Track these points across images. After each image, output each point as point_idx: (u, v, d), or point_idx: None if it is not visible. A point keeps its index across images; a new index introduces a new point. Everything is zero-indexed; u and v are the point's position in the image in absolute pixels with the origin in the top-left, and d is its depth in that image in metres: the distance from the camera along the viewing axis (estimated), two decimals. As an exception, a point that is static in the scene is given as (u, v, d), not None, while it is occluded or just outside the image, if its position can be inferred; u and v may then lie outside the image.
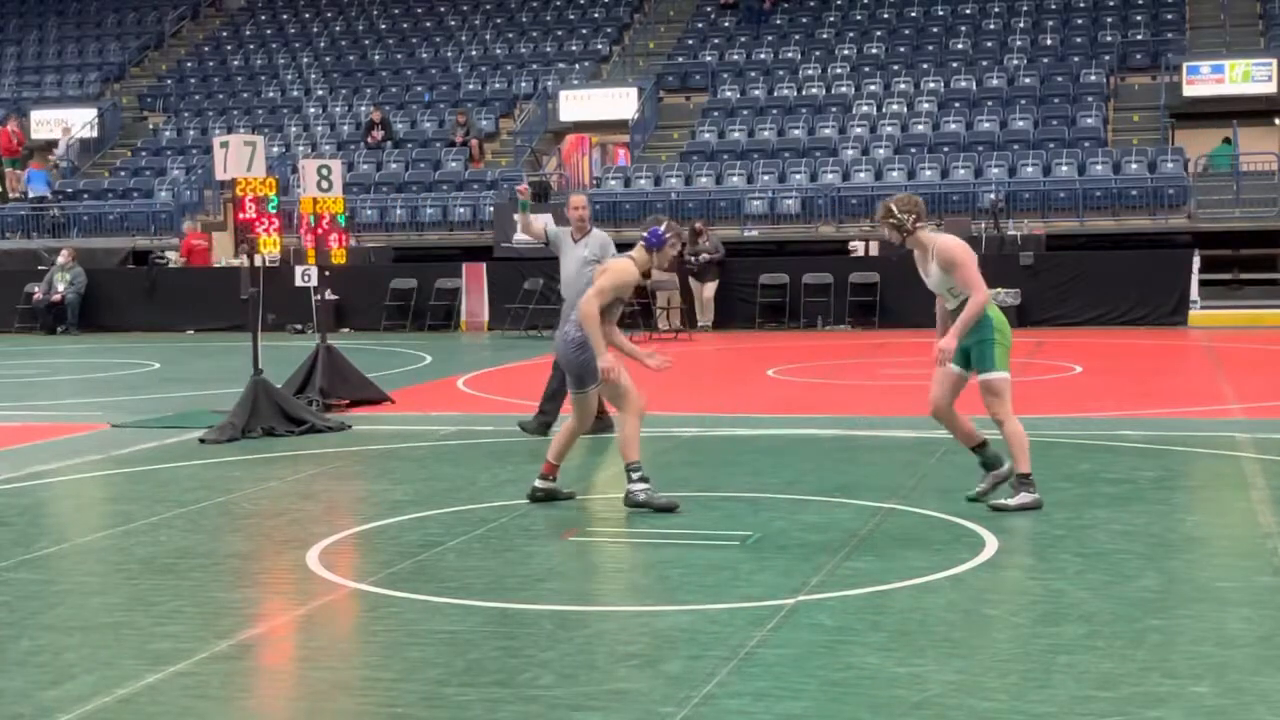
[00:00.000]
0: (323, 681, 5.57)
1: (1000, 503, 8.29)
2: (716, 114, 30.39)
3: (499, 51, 34.78)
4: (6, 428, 13.00)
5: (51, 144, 33.30)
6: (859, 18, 33.55)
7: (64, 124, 33.43)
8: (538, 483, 8.85)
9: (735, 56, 32.65)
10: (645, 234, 8.71)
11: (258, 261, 12.70)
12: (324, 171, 14.05)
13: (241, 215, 12.48)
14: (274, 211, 12.58)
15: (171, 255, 26.92)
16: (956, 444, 10.86)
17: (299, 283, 23.20)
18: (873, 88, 30.45)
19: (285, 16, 38.45)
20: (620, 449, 8.61)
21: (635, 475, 8.49)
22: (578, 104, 30.82)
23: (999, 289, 22.46)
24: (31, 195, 30.74)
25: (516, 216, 12.26)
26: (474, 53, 34.87)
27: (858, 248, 25.16)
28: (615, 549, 7.92)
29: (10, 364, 20.03)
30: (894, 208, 8.50)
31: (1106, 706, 4.98)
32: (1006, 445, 8.40)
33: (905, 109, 29.53)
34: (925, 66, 30.92)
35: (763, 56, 32.45)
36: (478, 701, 5.17)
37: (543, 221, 12.36)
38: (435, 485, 9.69)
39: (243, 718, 5.22)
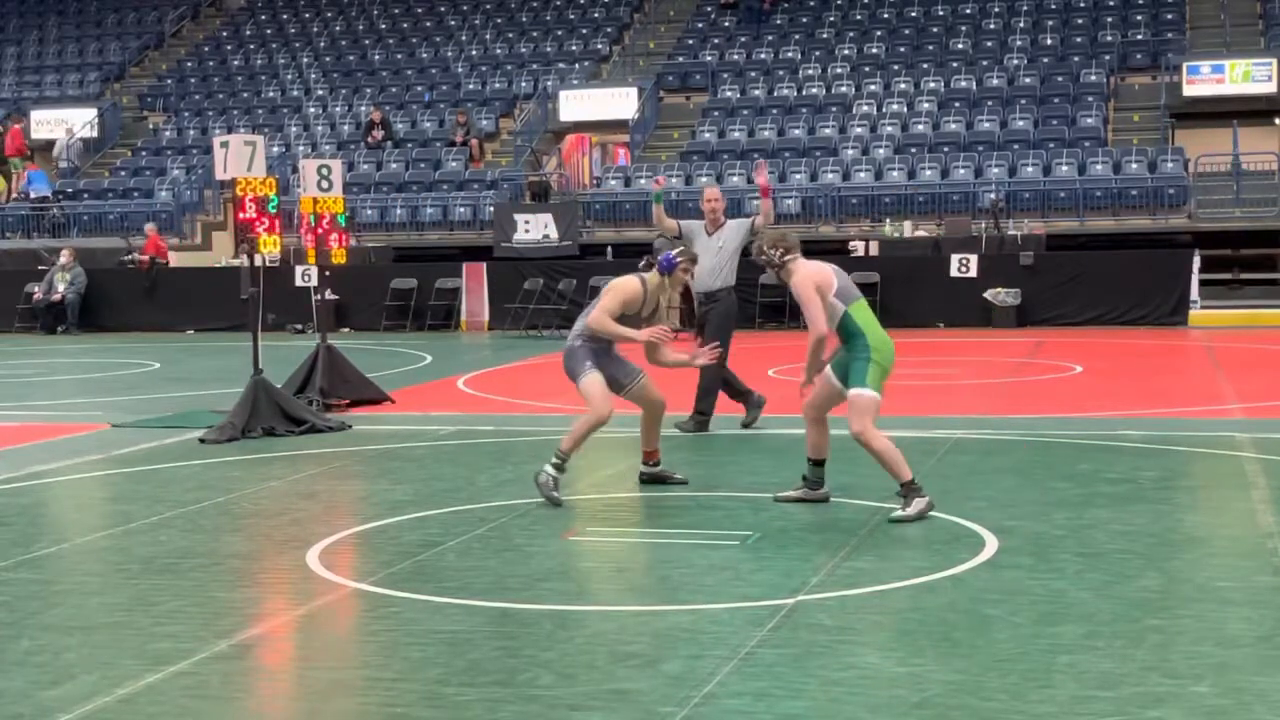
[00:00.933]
0: (323, 681, 5.57)
1: (898, 515, 8.08)
2: (716, 114, 30.39)
3: (499, 51, 34.78)
4: (6, 428, 13.00)
5: (52, 144, 33.30)
6: (859, 18, 33.55)
7: (66, 125, 33.42)
8: (643, 468, 9.31)
9: (735, 56, 32.65)
10: (660, 257, 9.09)
11: (258, 261, 12.69)
12: (324, 171, 14.05)
13: (241, 215, 12.48)
14: (274, 211, 12.58)
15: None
16: (957, 444, 10.90)
17: (299, 283, 23.44)
18: (873, 88, 30.46)
19: (285, 16, 38.45)
20: (565, 436, 8.84)
21: (554, 462, 8.73)
22: (578, 104, 30.82)
23: (999, 289, 22.51)
24: (32, 195, 30.74)
25: (654, 209, 12.24)
26: (474, 53, 34.88)
27: (858, 248, 25.15)
28: (615, 549, 7.92)
29: (10, 364, 20.03)
30: (764, 245, 8.49)
31: (1106, 706, 4.98)
32: (878, 463, 8.23)
33: (905, 109, 29.53)
34: (925, 66, 30.92)
35: (763, 56, 32.45)
36: (478, 701, 5.17)
37: (674, 219, 12.32)
38: (435, 485, 9.69)
39: (243, 718, 5.22)
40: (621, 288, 8.93)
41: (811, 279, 8.32)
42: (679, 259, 8.99)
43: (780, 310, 23.23)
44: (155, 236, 27.51)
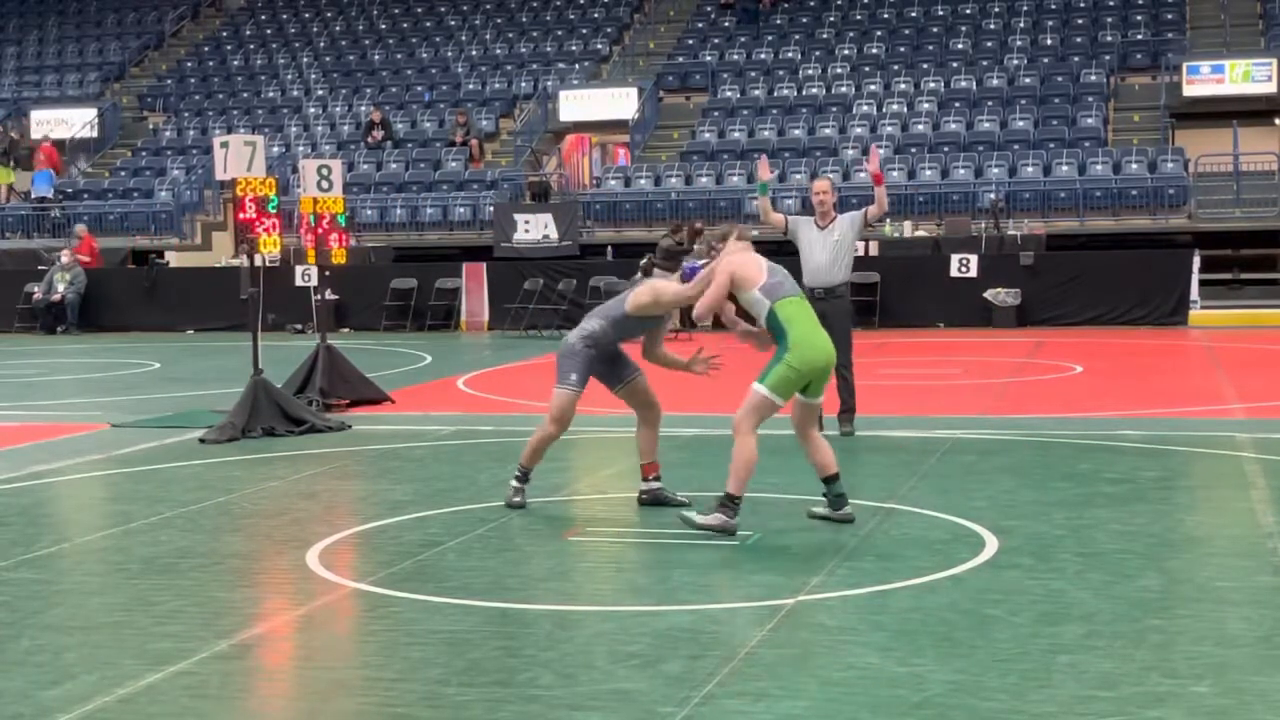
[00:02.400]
0: (323, 681, 5.57)
1: (688, 515, 7.85)
2: (716, 114, 30.39)
3: (499, 51, 34.78)
4: (6, 428, 13.00)
5: (55, 144, 33.28)
6: (859, 18, 33.55)
7: (67, 125, 33.43)
8: (642, 486, 8.78)
9: (735, 56, 32.65)
10: (685, 266, 9.15)
11: (258, 261, 12.69)
12: (324, 171, 14.04)
13: (241, 215, 12.48)
14: (274, 211, 12.58)
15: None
16: (957, 444, 10.90)
17: (299, 283, 23.43)
18: (873, 88, 30.46)
19: (285, 16, 38.45)
20: (524, 450, 8.74)
21: (516, 475, 8.73)
22: (578, 104, 30.82)
23: (999, 289, 22.50)
24: (33, 195, 30.73)
25: (755, 202, 12.03)
26: (474, 53, 34.88)
27: (858, 247, 25.13)
28: (615, 549, 7.92)
29: (10, 364, 20.02)
30: (711, 242, 8.32)
31: (1107, 706, 4.98)
32: (731, 465, 7.79)
33: (905, 109, 29.54)
34: (925, 66, 30.93)
35: (763, 56, 32.45)
36: (478, 701, 5.17)
37: (782, 213, 12.00)
38: (435, 485, 9.69)
39: (243, 718, 5.23)
40: (660, 288, 8.51)
41: (732, 266, 7.93)
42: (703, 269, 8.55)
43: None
44: (89, 238, 27.55)
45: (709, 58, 32.71)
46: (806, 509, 8.28)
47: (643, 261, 26.22)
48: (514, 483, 8.76)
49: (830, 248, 11.47)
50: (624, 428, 10.21)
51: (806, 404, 8.03)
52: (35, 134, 33.70)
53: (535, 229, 25.31)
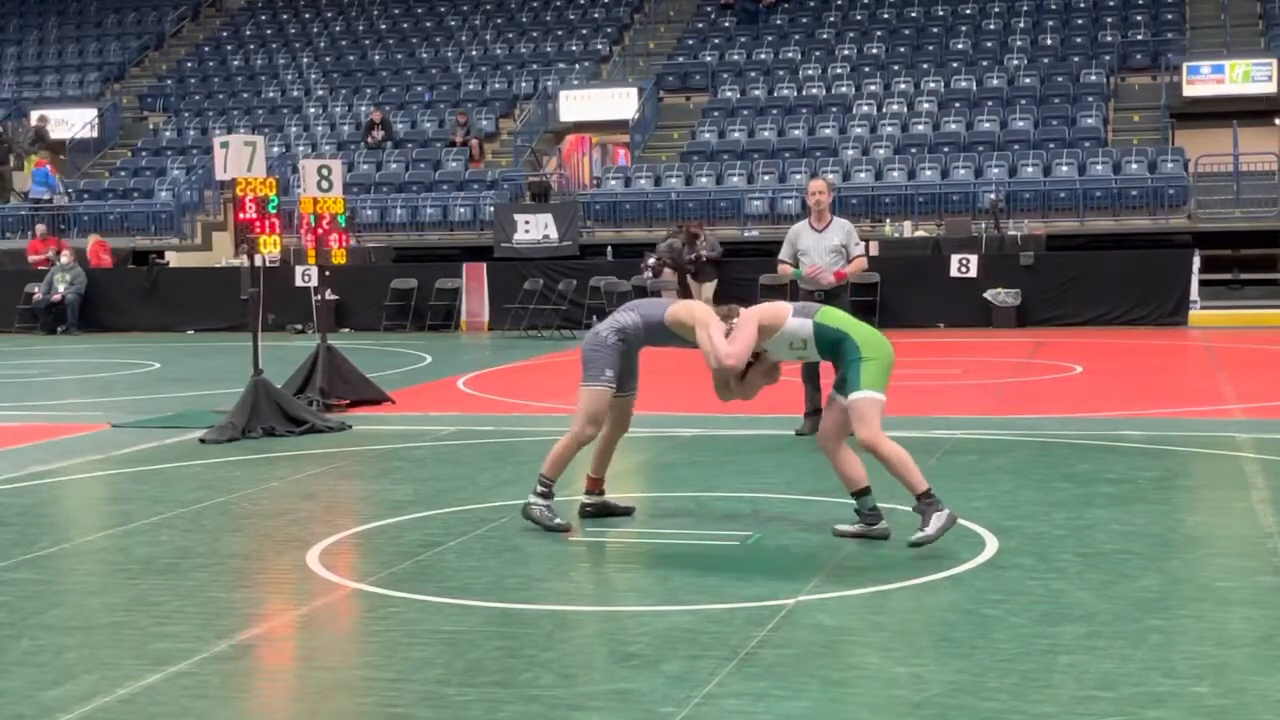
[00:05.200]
0: (323, 681, 5.56)
1: (919, 537, 7.28)
2: (716, 114, 30.39)
3: (499, 51, 34.79)
4: (6, 428, 12.99)
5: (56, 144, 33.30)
6: (859, 18, 33.56)
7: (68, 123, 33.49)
8: (586, 499, 8.39)
9: (735, 56, 32.66)
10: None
11: (258, 261, 12.69)
12: (324, 171, 14.04)
13: (241, 215, 12.48)
14: (274, 211, 12.58)
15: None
16: (957, 444, 10.90)
17: (299, 283, 23.45)
18: (873, 88, 30.47)
19: (285, 16, 38.46)
20: (547, 459, 8.10)
21: (540, 490, 8.05)
22: (578, 104, 30.84)
23: (999, 289, 22.51)
24: (32, 195, 30.73)
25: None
26: (474, 53, 34.89)
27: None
28: (615, 549, 7.91)
29: (10, 364, 20.02)
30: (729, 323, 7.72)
31: (1107, 706, 4.98)
32: (889, 471, 7.45)
33: (905, 109, 29.54)
34: (925, 66, 30.93)
35: (763, 56, 32.46)
36: (478, 701, 5.17)
37: (786, 264, 11.82)
38: (435, 485, 9.69)
39: (243, 718, 5.22)
40: (703, 321, 7.75)
41: (758, 315, 7.55)
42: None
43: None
44: (52, 240, 27.53)
45: (709, 58, 32.72)
46: (833, 528, 7.85)
47: (651, 260, 26.21)
48: (540, 500, 8.01)
49: (827, 252, 11.52)
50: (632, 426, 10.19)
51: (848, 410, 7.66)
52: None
53: (535, 229, 25.31)
